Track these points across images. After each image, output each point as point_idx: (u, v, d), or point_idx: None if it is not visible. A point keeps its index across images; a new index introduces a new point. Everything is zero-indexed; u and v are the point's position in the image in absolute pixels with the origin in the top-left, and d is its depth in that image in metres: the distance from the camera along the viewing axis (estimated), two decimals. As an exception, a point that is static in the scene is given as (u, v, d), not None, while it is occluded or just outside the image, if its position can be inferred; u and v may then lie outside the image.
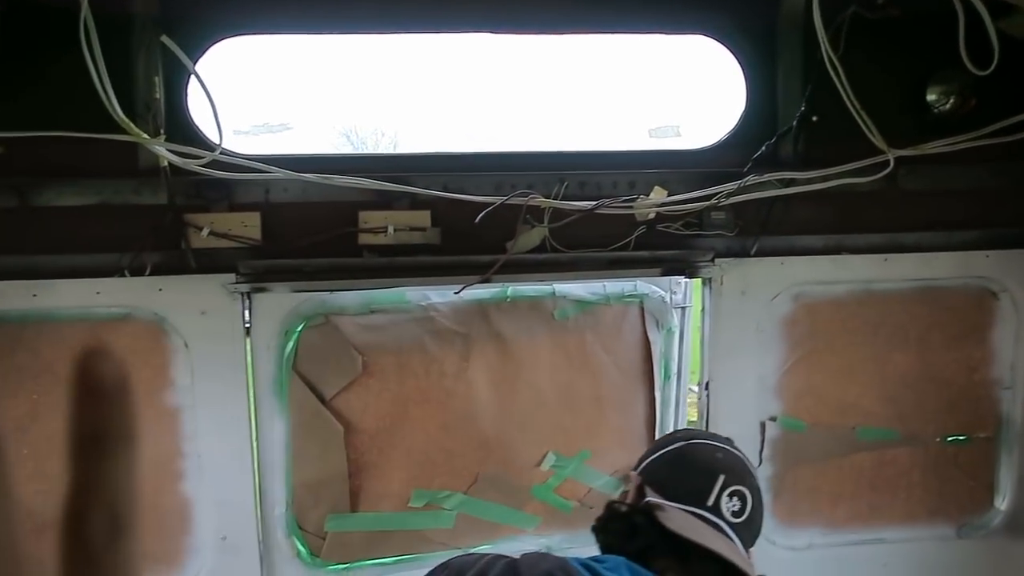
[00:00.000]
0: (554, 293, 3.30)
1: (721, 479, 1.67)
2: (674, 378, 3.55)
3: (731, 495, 1.66)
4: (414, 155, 3.19)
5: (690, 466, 1.73)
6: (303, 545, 3.19)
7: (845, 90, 2.83)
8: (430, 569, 1.61)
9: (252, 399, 3.04)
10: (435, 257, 3.02)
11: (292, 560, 3.18)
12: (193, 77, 2.77)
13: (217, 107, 2.61)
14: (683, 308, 3.54)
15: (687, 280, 3.42)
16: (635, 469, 1.83)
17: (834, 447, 3.43)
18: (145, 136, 2.64)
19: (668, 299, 3.46)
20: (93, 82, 2.44)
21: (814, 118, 3.04)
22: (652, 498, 1.70)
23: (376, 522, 3.24)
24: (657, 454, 1.80)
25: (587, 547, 1.92)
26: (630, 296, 3.41)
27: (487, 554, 1.62)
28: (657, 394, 3.51)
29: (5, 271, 2.84)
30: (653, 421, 3.53)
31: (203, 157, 2.66)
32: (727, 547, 1.61)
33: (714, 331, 3.25)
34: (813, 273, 3.26)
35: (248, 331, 3.00)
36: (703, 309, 3.30)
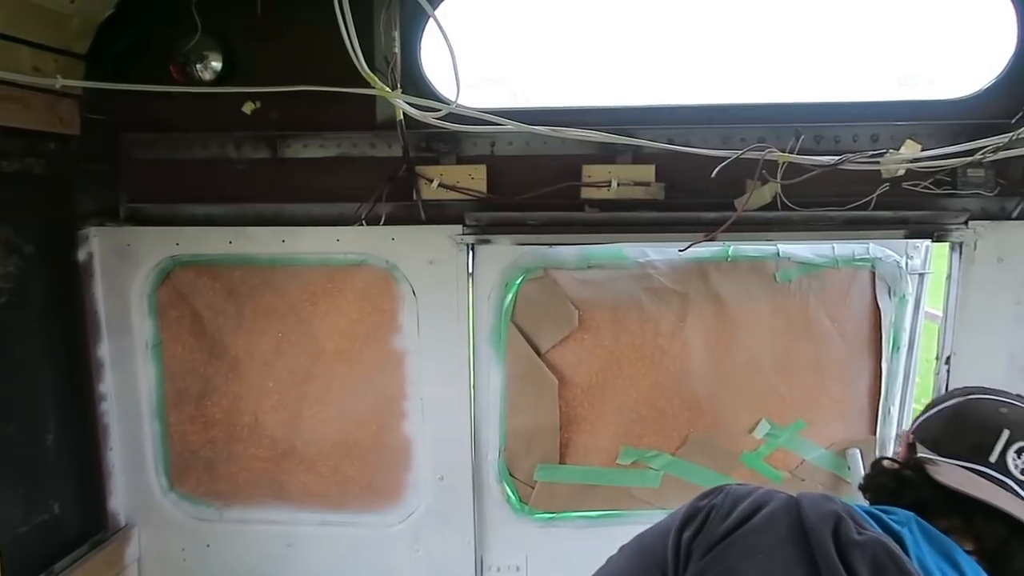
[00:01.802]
0: (778, 254, 3.13)
1: (1006, 434, 1.48)
2: (904, 349, 3.27)
3: (1019, 451, 1.47)
4: (638, 107, 3.08)
5: (968, 421, 1.55)
6: (513, 491, 3.29)
7: None
8: (704, 491, 1.55)
9: (472, 347, 3.13)
10: (658, 213, 2.95)
11: (502, 505, 3.28)
12: (430, 28, 2.82)
13: (456, 58, 2.64)
14: (921, 274, 3.23)
15: (928, 244, 3.11)
16: (909, 429, 1.67)
17: (1096, 437, 3.04)
18: (387, 90, 2.72)
19: (904, 264, 3.18)
20: (337, 38, 2.51)
21: None
22: (924, 454, 1.55)
23: (584, 475, 3.27)
24: (933, 411, 1.63)
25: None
26: (861, 260, 3.17)
27: (761, 487, 1.53)
28: (884, 365, 3.26)
29: (258, 218, 3.08)
30: (878, 394, 3.29)
31: (439, 110, 2.72)
32: (1016, 506, 1.43)
33: (962, 301, 2.95)
34: None
35: (471, 281, 3.08)
36: (949, 276, 3.00)
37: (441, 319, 3.09)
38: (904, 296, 3.22)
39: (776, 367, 3.24)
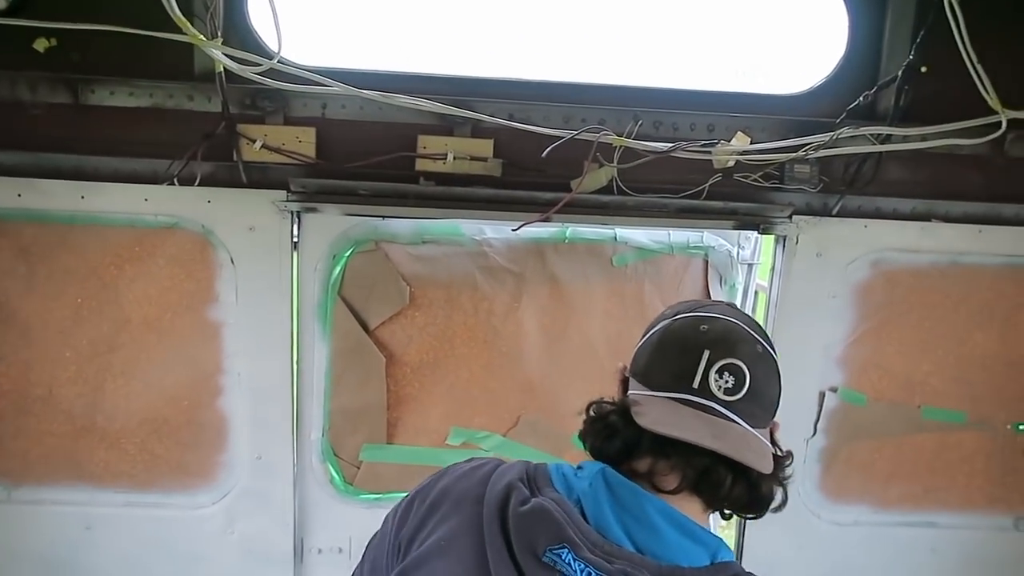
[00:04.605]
0: (615, 238, 3.13)
1: (706, 356, 1.44)
2: (732, 337, 3.36)
3: (720, 371, 1.43)
4: (480, 79, 2.94)
5: (671, 347, 1.50)
6: (337, 471, 3.16)
7: (962, 39, 2.53)
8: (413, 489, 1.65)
9: (295, 322, 2.96)
10: (494, 190, 2.86)
11: (325, 485, 3.15)
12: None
13: (277, 9, 2.43)
14: (750, 265, 3.33)
15: (758, 236, 3.20)
16: (626, 362, 1.61)
17: (895, 425, 3.25)
18: (201, 38, 2.48)
19: (735, 254, 3.25)
20: None
21: (922, 68, 2.75)
22: (634, 391, 1.53)
23: (411, 456, 3.18)
24: (643, 339, 1.58)
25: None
26: (695, 247, 3.21)
27: (477, 461, 1.61)
28: (713, 351, 3.34)
29: (55, 170, 2.76)
30: (706, 378, 3.37)
31: (260, 64, 2.50)
32: (713, 433, 1.41)
33: (783, 292, 3.05)
34: (898, 239, 3.02)
35: (295, 252, 2.90)
36: (773, 268, 3.09)
37: (262, 290, 2.89)
38: (734, 285, 3.30)
39: (610, 350, 3.25)
